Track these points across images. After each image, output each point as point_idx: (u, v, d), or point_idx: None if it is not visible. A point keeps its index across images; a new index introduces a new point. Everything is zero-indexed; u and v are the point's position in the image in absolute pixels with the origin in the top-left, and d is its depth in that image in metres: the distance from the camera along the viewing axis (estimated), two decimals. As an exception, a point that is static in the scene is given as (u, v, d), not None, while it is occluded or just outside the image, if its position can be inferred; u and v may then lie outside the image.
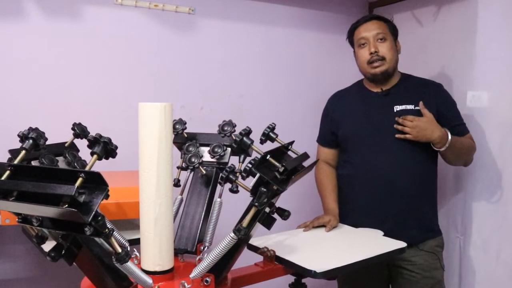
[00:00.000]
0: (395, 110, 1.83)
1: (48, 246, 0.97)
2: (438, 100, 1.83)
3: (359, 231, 1.78)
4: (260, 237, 1.55)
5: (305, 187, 2.11)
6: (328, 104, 2.05)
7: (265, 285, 1.42)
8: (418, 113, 1.78)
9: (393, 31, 1.89)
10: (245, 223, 1.08)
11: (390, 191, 1.82)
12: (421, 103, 1.77)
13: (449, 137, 1.74)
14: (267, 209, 1.16)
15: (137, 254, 1.22)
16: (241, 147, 1.33)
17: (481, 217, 2.01)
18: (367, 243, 1.61)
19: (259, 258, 1.43)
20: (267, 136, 1.34)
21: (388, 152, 1.81)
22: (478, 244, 2.02)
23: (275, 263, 1.39)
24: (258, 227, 1.18)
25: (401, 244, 1.54)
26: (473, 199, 2.04)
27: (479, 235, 2.01)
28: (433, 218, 1.91)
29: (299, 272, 1.38)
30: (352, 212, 1.91)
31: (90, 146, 1.01)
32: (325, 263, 1.33)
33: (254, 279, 1.34)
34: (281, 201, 1.20)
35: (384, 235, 1.67)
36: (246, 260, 1.35)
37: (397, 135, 1.79)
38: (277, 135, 1.33)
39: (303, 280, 1.45)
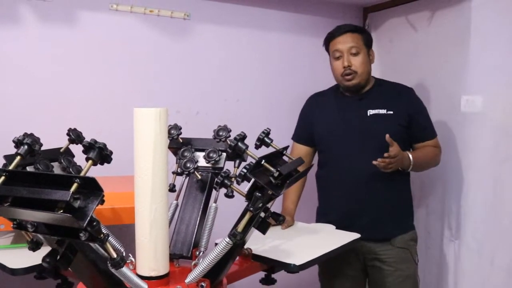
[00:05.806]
0: (368, 114, 1.91)
1: (43, 251, 0.97)
2: (409, 105, 1.93)
3: (313, 226, 1.89)
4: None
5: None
6: (306, 105, 2.12)
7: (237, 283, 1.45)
8: (389, 118, 1.88)
9: (367, 43, 1.94)
10: (240, 228, 1.08)
11: (364, 192, 1.89)
12: (387, 136, 1.74)
13: (411, 160, 1.83)
14: (262, 214, 1.16)
15: (133, 259, 1.22)
16: (236, 152, 1.34)
17: (475, 221, 2.01)
18: (327, 237, 1.73)
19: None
20: (262, 141, 1.34)
21: (362, 154, 1.85)
22: (472, 248, 2.02)
23: (252, 261, 1.43)
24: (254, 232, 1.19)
25: (355, 236, 1.67)
26: (467, 203, 2.04)
27: (473, 239, 2.02)
28: (407, 216, 2.00)
29: (278, 267, 1.44)
30: (328, 210, 2.01)
31: (85, 151, 1.01)
32: (299, 257, 1.42)
33: (233, 278, 1.38)
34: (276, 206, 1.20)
35: (360, 231, 1.71)
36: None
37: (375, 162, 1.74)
38: (272, 140, 1.34)
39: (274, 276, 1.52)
